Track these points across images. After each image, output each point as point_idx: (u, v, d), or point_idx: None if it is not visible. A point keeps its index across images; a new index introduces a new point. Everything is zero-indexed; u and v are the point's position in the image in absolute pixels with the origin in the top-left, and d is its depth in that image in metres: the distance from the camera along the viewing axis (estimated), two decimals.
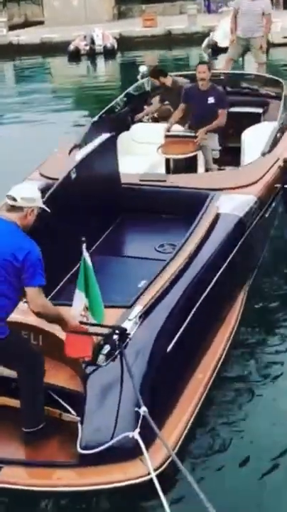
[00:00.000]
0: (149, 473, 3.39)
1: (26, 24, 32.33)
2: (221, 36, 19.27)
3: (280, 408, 4.80)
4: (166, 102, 8.47)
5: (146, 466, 3.44)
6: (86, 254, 3.81)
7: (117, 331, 3.90)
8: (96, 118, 7.77)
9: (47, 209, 4.00)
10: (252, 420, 4.69)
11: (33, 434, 3.93)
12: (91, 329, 3.89)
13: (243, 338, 5.38)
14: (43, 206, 3.98)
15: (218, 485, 4.10)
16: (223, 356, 4.71)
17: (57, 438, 3.96)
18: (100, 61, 23.97)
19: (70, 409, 3.98)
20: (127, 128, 8.00)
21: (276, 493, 4.11)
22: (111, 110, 8.06)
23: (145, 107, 8.59)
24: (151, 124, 8.27)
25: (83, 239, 3.81)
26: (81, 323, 3.88)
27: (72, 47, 24.50)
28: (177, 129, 7.77)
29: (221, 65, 12.49)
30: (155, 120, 8.39)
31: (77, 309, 3.92)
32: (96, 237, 5.80)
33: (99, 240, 5.85)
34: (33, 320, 4.09)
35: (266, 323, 5.86)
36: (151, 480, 3.32)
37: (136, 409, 3.59)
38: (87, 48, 24.39)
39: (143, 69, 9.10)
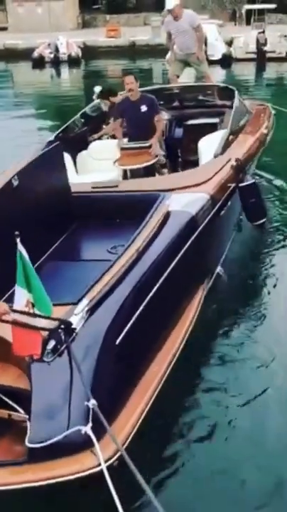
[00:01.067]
0: (99, 465, 3.34)
1: None
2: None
3: (232, 402, 4.80)
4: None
5: (97, 458, 3.38)
6: (21, 249, 3.72)
7: (62, 326, 3.83)
8: (52, 137, 7.73)
9: None
10: (206, 415, 4.68)
11: None
12: (38, 323, 3.81)
13: (200, 335, 5.41)
14: None
15: (169, 479, 4.08)
16: (178, 351, 4.70)
17: (7, 438, 3.86)
18: (64, 69, 24.00)
19: (19, 409, 3.86)
20: (85, 147, 8.01)
21: (222, 486, 4.09)
22: (67, 130, 8.06)
23: (103, 126, 8.62)
24: (108, 140, 8.29)
25: (16, 233, 3.73)
26: (23, 313, 3.79)
27: (36, 54, 24.47)
28: (131, 142, 7.83)
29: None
30: (113, 137, 8.42)
31: (18, 305, 3.83)
32: (48, 246, 5.76)
33: (51, 248, 5.81)
34: None
35: (225, 322, 5.90)
36: (102, 472, 3.26)
37: (85, 402, 3.54)
38: (52, 55, 24.40)
39: (97, 89, 9.09)
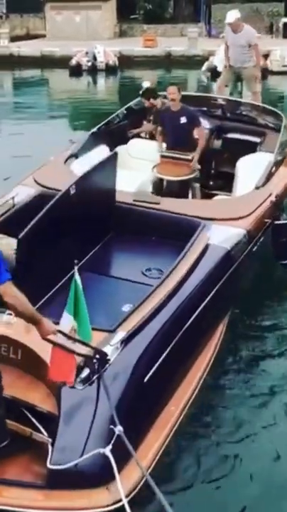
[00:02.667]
0: (120, 500, 3.36)
1: (28, 36, 32.54)
2: (221, 61, 19.43)
3: (252, 437, 4.84)
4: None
5: (117, 492, 3.39)
6: (77, 277, 3.78)
7: (97, 356, 3.89)
8: (95, 129, 7.81)
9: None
10: (225, 448, 4.73)
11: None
12: (76, 349, 3.84)
13: (220, 367, 5.39)
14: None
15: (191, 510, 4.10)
16: (196, 389, 4.71)
17: (26, 457, 3.91)
18: (101, 78, 24.11)
19: (42, 429, 3.92)
20: (125, 141, 8.04)
21: None
22: (110, 123, 8.10)
23: (144, 122, 8.64)
24: (148, 141, 8.31)
25: (76, 261, 3.80)
26: (66, 336, 3.84)
27: (74, 62, 24.62)
28: (175, 151, 7.83)
29: (215, 87, 12.59)
30: (151, 137, 8.44)
31: (63, 330, 3.89)
32: (85, 253, 5.81)
33: (87, 256, 5.85)
34: (13, 333, 4.09)
35: (244, 353, 5.87)
36: (123, 506, 3.31)
37: (111, 426, 3.58)
38: (89, 63, 24.53)
39: (145, 84, 9.17)
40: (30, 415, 3.97)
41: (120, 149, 7.84)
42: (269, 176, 6.86)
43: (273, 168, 7.08)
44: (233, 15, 10.22)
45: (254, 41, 10.16)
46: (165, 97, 8.33)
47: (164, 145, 7.85)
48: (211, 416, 5.05)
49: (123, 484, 3.45)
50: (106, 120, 8.06)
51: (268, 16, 31.45)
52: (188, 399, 4.57)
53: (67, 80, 24.05)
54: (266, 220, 6.26)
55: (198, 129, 7.64)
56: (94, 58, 24.61)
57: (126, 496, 3.41)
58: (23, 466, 3.84)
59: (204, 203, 7.02)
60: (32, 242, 4.66)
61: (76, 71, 24.50)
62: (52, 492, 3.54)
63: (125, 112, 8.63)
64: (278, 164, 7.31)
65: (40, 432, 3.91)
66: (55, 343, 3.77)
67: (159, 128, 7.87)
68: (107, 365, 3.93)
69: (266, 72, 23.11)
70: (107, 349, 4.00)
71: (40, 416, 3.96)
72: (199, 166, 7.71)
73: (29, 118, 16.38)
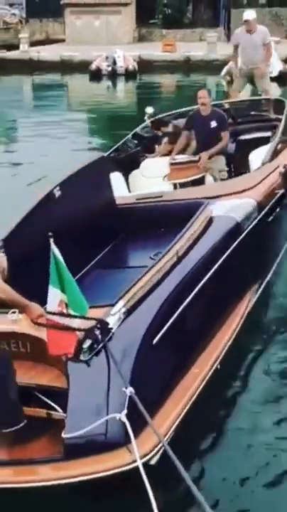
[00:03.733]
0: (135, 461, 3.34)
1: (47, 41, 32.74)
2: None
3: (278, 409, 4.82)
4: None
5: (133, 454, 3.37)
6: (54, 249, 3.76)
7: (99, 325, 3.88)
8: (105, 155, 7.82)
9: None
10: (249, 418, 4.70)
11: (14, 433, 3.93)
12: (72, 324, 3.82)
13: (245, 342, 5.38)
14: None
15: (212, 478, 4.09)
16: (222, 355, 4.68)
17: (46, 437, 3.93)
18: (120, 82, 24.19)
19: (57, 408, 3.95)
20: (137, 166, 8.09)
21: (274, 487, 4.11)
22: (118, 150, 8.14)
23: (156, 146, 8.69)
24: (160, 158, 8.35)
25: (50, 234, 3.76)
26: (58, 314, 3.83)
27: (94, 66, 24.74)
28: (181, 156, 7.88)
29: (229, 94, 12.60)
30: (164, 155, 8.48)
31: (51, 306, 3.87)
32: (92, 256, 5.84)
33: (95, 258, 5.88)
34: (20, 328, 4.13)
35: (271, 330, 5.85)
36: (138, 468, 3.26)
37: (123, 389, 3.56)
38: (109, 68, 24.62)
39: (149, 110, 9.18)
40: (43, 397, 4.02)
41: (134, 173, 7.91)
42: (275, 153, 6.89)
43: (279, 146, 7.09)
44: (250, 14, 10.31)
45: (269, 39, 10.26)
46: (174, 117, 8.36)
47: (178, 156, 7.85)
48: (236, 383, 5.04)
49: (139, 447, 3.42)
50: (113, 148, 8.10)
51: None
52: (213, 363, 4.55)
53: (87, 85, 24.16)
54: (278, 191, 6.23)
55: (225, 131, 7.67)
56: (114, 63, 24.70)
57: (141, 458, 3.38)
58: (43, 445, 3.88)
59: (208, 186, 7.05)
60: (18, 243, 4.70)
61: (96, 75, 24.62)
62: (68, 462, 3.54)
63: (133, 139, 8.67)
64: (283, 142, 7.34)
65: (57, 411, 3.95)
66: (47, 325, 3.79)
67: (185, 132, 7.87)
68: (111, 333, 3.92)
69: (286, 77, 23.11)
70: (109, 319, 3.99)
71: (54, 395, 4.00)
72: (226, 168, 7.68)
73: (49, 122, 16.44)
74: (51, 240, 3.76)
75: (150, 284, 4.40)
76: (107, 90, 23.61)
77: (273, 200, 6.14)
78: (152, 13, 33.24)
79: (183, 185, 7.39)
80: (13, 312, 4.07)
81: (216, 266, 4.91)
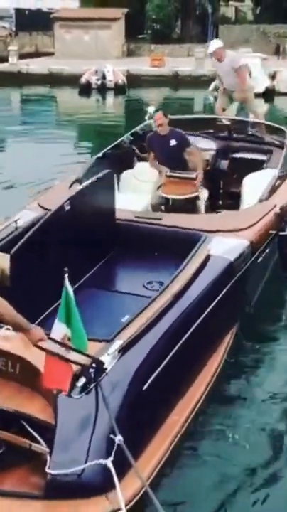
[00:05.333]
0: (120, 509, 3.33)
1: (36, 54, 32.90)
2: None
3: (256, 451, 4.80)
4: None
5: (117, 501, 3.36)
6: (68, 286, 3.79)
7: (94, 364, 3.88)
8: (100, 154, 7.87)
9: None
10: (229, 459, 4.68)
11: None
12: (71, 357, 3.80)
13: (227, 378, 5.39)
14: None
15: None
16: (200, 401, 4.69)
17: (25, 468, 3.87)
18: (110, 96, 24.35)
19: (40, 440, 3.87)
20: (131, 166, 8.10)
21: None
22: (115, 147, 8.16)
23: None
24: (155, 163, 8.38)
25: (65, 269, 3.77)
26: (59, 343, 3.83)
27: (83, 80, 24.87)
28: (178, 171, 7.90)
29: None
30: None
31: (54, 337, 3.88)
32: (86, 271, 5.84)
33: (89, 273, 5.88)
34: (11, 347, 4.09)
35: (253, 364, 5.87)
36: None
37: (111, 436, 3.55)
38: (99, 82, 24.78)
39: (150, 109, 9.23)
40: (28, 426, 3.94)
41: (126, 173, 7.91)
42: (273, 189, 6.92)
43: (278, 182, 7.13)
44: (214, 45, 10.33)
45: (238, 64, 10.23)
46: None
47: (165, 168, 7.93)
48: (216, 427, 5.01)
49: (123, 494, 3.41)
50: (111, 145, 8.12)
51: (275, 38, 31.75)
52: (193, 408, 4.56)
53: (76, 98, 24.27)
54: (271, 232, 6.30)
55: (189, 148, 7.72)
56: (104, 77, 24.85)
57: (126, 505, 3.38)
58: (21, 477, 3.81)
59: (206, 217, 7.06)
60: (26, 257, 4.68)
61: (85, 89, 24.75)
62: (50, 502, 3.49)
63: (130, 136, 8.70)
64: (282, 178, 7.37)
65: (39, 443, 3.88)
66: (47, 350, 3.76)
67: (151, 154, 7.95)
68: (104, 373, 3.90)
69: (272, 93, 23.37)
70: (104, 358, 3.98)
71: (39, 427, 3.93)
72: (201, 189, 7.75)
73: (37, 135, 16.50)
74: (66, 276, 3.74)
75: (147, 323, 4.38)
76: (97, 104, 23.74)
77: (266, 242, 6.21)
78: (141, 28, 33.60)
79: (176, 201, 7.42)
80: (7, 329, 3.99)
81: (208, 309, 4.92)
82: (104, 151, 7.85)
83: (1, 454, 3.89)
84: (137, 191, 7.64)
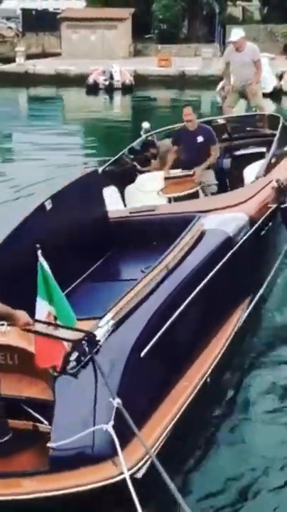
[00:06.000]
0: (122, 474, 3.29)
1: (43, 55, 32.92)
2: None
3: (268, 422, 4.82)
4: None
5: (119, 466, 3.33)
6: (42, 261, 3.74)
7: (86, 337, 3.86)
8: (99, 170, 7.85)
9: None
10: (238, 431, 4.70)
11: (2, 446, 3.88)
12: (60, 334, 3.79)
13: (237, 356, 5.40)
14: None
15: (200, 491, 4.09)
16: (211, 368, 4.65)
17: (32, 450, 3.90)
18: (117, 96, 24.39)
19: (43, 420, 3.92)
20: (132, 180, 8.11)
21: (264, 498, 4.11)
22: (114, 163, 8.17)
23: (152, 161, 8.74)
24: (155, 172, 8.39)
25: (37, 245, 3.76)
26: (47, 323, 3.81)
27: (91, 80, 24.93)
28: (176, 171, 7.92)
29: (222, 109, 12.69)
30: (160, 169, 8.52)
31: (39, 317, 3.85)
32: (84, 269, 5.83)
33: (87, 271, 5.87)
34: (7, 340, 4.10)
35: (262, 345, 5.85)
36: (125, 481, 3.22)
37: (110, 399, 3.53)
38: (106, 82, 24.81)
39: (146, 125, 9.24)
40: (28, 408, 3.98)
41: (130, 188, 7.94)
42: (269, 168, 6.91)
43: (273, 161, 7.13)
44: (238, 33, 10.31)
45: (258, 56, 10.27)
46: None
47: (174, 170, 7.91)
48: (227, 396, 5.04)
49: (126, 459, 3.38)
50: (110, 161, 8.13)
51: (283, 37, 31.66)
52: (202, 376, 4.52)
53: (83, 98, 24.30)
54: (271, 205, 6.25)
55: (214, 146, 7.75)
56: (111, 77, 24.86)
57: (129, 470, 3.33)
58: (29, 458, 3.84)
59: (200, 200, 7.07)
60: (7, 255, 4.68)
61: (93, 89, 24.81)
62: (54, 474, 3.49)
63: (129, 153, 8.71)
64: (278, 157, 7.38)
65: (42, 423, 3.92)
66: (35, 332, 3.76)
67: (173, 148, 7.96)
68: (98, 346, 3.88)
69: (280, 93, 23.29)
70: (97, 332, 3.96)
71: (40, 407, 3.97)
72: (215, 181, 7.74)
73: (45, 136, 16.46)
74: (39, 252, 3.76)
75: (139, 296, 4.38)
76: (104, 104, 23.75)
77: (266, 215, 6.16)
78: (148, 28, 33.52)
79: (178, 199, 7.42)
80: (2, 324, 3.97)
81: (206, 279, 4.90)
82: (103, 168, 7.83)
83: (9, 441, 3.93)
84: (144, 202, 7.64)
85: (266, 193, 6.31)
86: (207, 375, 4.58)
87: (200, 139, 7.69)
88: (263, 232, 5.99)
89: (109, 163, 8.04)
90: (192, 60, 28.55)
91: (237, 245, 5.44)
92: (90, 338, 3.88)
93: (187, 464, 4.34)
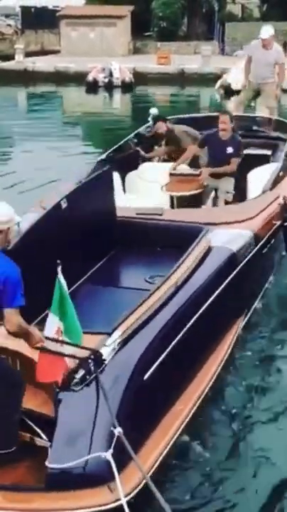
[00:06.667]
0: (119, 500, 3.30)
1: (42, 52, 32.88)
2: (235, 79, 19.54)
3: (260, 445, 4.73)
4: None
5: (117, 492, 3.33)
6: (61, 278, 3.73)
7: (92, 356, 3.84)
8: (103, 156, 7.82)
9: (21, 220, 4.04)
10: (233, 454, 4.62)
11: (3, 456, 3.87)
12: (67, 351, 3.79)
13: (230, 374, 5.34)
14: (20, 220, 4.02)
15: None
16: (205, 391, 4.64)
17: (27, 462, 3.88)
18: (117, 94, 24.37)
19: (42, 434, 3.91)
20: (135, 167, 8.06)
21: None
22: (119, 149, 8.12)
23: (155, 147, 8.68)
24: (159, 163, 8.34)
25: (58, 261, 3.73)
26: (54, 340, 3.81)
27: (90, 78, 24.90)
28: (183, 168, 7.85)
29: (232, 106, 12.64)
30: (165, 161, 8.46)
31: (48, 332, 3.85)
32: (87, 269, 5.81)
33: (91, 270, 5.85)
34: (11, 344, 4.07)
35: (257, 362, 5.80)
36: (121, 507, 3.23)
37: (111, 428, 3.52)
38: (106, 80, 24.79)
39: (153, 111, 9.18)
40: (28, 421, 3.96)
41: (131, 175, 7.87)
42: (277, 180, 6.86)
43: (281, 173, 7.08)
44: (268, 31, 10.18)
45: (282, 59, 10.16)
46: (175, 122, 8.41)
47: (182, 165, 7.85)
48: (221, 419, 4.96)
49: (123, 486, 3.39)
50: (114, 147, 8.08)
51: (283, 35, 31.58)
52: (197, 398, 4.51)
53: (83, 96, 24.28)
54: (275, 222, 6.24)
55: (236, 158, 7.61)
56: (111, 75, 24.84)
57: (125, 496, 3.34)
58: (24, 472, 3.82)
59: (208, 210, 7.03)
60: (22, 256, 4.66)
61: (92, 87, 24.78)
62: (51, 494, 3.49)
63: (134, 138, 8.65)
64: (285, 170, 7.31)
65: (40, 437, 3.90)
66: (43, 349, 3.76)
67: (195, 148, 7.82)
68: (103, 365, 3.86)
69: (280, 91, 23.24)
70: (103, 350, 3.94)
71: (40, 421, 3.95)
72: (233, 191, 7.62)
73: (44, 134, 16.43)
74: (59, 269, 3.72)
75: (146, 314, 4.34)
76: (104, 102, 23.72)
77: (270, 233, 6.13)
78: (147, 26, 33.48)
79: (181, 198, 7.38)
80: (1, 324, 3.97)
81: (210, 299, 4.88)
82: (107, 153, 7.80)
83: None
84: (143, 192, 7.60)
85: (272, 210, 6.26)
86: (201, 398, 4.56)
87: (230, 150, 7.51)
88: (265, 250, 5.98)
89: (113, 148, 7.98)
90: (191, 57, 28.52)
91: (242, 264, 5.44)
92: (97, 356, 3.85)
93: (184, 490, 4.27)
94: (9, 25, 35.91)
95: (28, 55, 29.51)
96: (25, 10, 36.46)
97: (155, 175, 7.80)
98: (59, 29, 32.85)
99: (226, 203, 7.52)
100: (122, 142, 8.28)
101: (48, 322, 3.81)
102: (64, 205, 5.28)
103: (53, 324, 3.79)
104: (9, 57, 29.31)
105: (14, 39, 33.31)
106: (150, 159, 8.47)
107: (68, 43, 31.69)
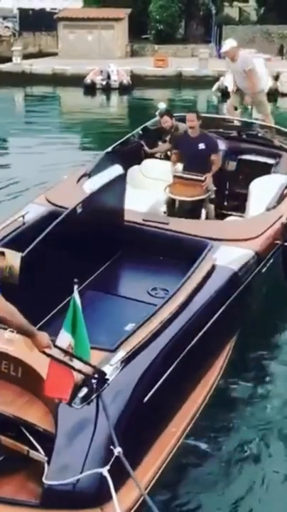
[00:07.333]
0: None
1: (40, 54, 32.90)
2: (231, 81, 19.56)
3: (254, 464, 4.80)
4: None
5: (113, 510, 3.34)
6: (77, 296, 3.76)
7: (96, 375, 3.88)
8: (109, 149, 7.85)
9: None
10: (228, 472, 4.69)
11: None
12: (76, 365, 3.79)
13: (224, 390, 5.36)
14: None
15: None
16: (198, 412, 4.66)
17: (22, 475, 3.88)
18: (114, 96, 24.44)
19: (39, 448, 3.86)
20: (139, 162, 8.07)
21: None
22: (125, 143, 8.14)
23: (159, 143, 8.71)
24: (162, 161, 8.35)
25: (75, 280, 3.75)
26: (63, 351, 3.81)
27: (88, 80, 24.97)
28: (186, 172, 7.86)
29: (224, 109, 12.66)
30: (167, 157, 8.48)
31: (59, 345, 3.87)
32: (92, 271, 5.82)
33: (94, 274, 5.85)
34: (14, 351, 4.08)
35: (251, 375, 5.84)
36: None
37: (111, 447, 3.54)
38: (104, 82, 24.86)
39: (161, 105, 9.19)
40: (27, 433, 3.94)
41: (134, 169, 7.86)
42: (281, 197, 6.84)
43: (286, 191, 7.07)
44: (228, 44, 10.26)
45: (249, 66, 10.13)
46: (179, 119, 8.40)
47: (179, 166, 7.88)
48: (213, 438, 5.00)
49: (121, 504, 3.41)
50: (120, 140, 8.09)
51: (279, 38, 31.70)
52: (190, 420, 4.54)
53: (81, 98, 24.27)
54: (277, 242, 6.26)
55: (215, 155, 7.65)
56: (108, 77, 24.90)
57: None
58: (19, 485, 3.81)
59: (213, 224, 7.03)
60: (36, 259, 4.66)
61: (90, 89, 24.84)
62: (45, 511, 3.49)
63: (141, 132, 8.67)
64: None
65: (37, 451, 3.88)
66: (51, 356, 3.75)
67: (175, 150, 7.90)
68: (106, 384, 3.88)
69: (276, 94, 23.32)
70: (107, 369, 3.95)
71: (38, 434, 3.94)
72: (214, 188, 7.72)
73: (41, 136, 16.44)
74: (75, 287, 3.74)
75: (150, 334, 4.36)
76: (101, 104, 23.73)
77: (271, 253, 6.15)
78: (144, 29, 33.55)
79: (183, 202, 7.39)
80: (12, 331, 3.98)
81: (211, 321, 4.90)
82: (113, 146, 7.83)
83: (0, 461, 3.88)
84: (143, 188, 7.61)
85: (275, 229, 6.26)
86: (194, 420, 4.59)
87: (202, 146, 7.57)
88: (264, 269, 6.00)
89: (119, 141, 8.01)
90: (188, 60, 28.58)
91: (243, 285, 5.47)
92: (100, 375, 3.89)
93: (179, 506, 4.34)
94: (7, 27, 35.96)
95: (25, 57, 29.49)
96: (23, 12, 36.51)
97: (156, 172, 7.82)
98: (57, 31, 32.84)
99: (210, 201, 7.56)
100: (128, 136, 8.30)
101: (60, 337, 3.82)
102: (79, 210, 5.31)
103: (65, 339, 3.81)
104: (7, 59, 29.23)
105: (12, 41, 33.32)
106: (152, 155, 8.50)
107: (66, 45, 31.71)
